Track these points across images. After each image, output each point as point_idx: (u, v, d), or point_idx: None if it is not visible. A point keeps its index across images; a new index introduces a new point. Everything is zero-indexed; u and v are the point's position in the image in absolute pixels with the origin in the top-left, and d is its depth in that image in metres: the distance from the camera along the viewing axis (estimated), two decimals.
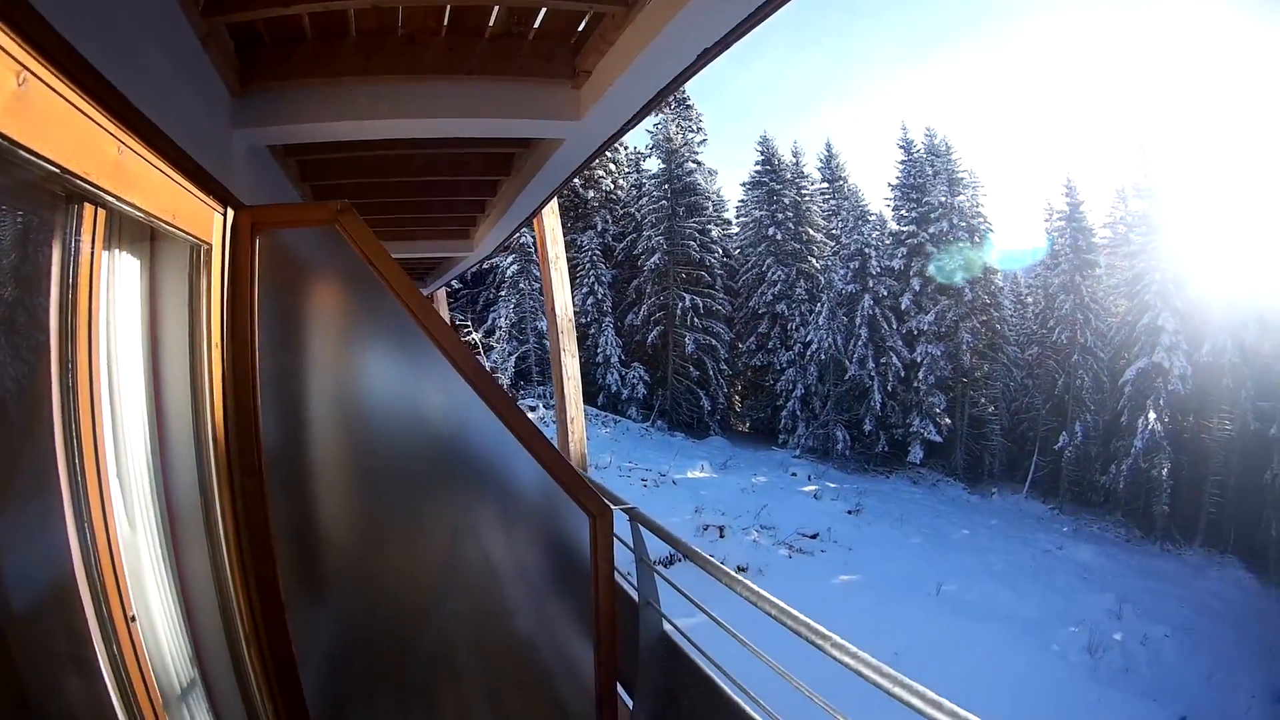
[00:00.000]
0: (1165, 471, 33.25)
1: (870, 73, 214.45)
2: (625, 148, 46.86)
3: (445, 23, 4.12)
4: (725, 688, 3.76)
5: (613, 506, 3.46)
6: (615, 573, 4.03)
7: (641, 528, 4.52)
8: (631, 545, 4.53)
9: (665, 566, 18.50)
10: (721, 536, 21.76)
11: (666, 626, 4.43)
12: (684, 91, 47.18)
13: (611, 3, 3.52)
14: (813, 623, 2.98)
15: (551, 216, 8.55)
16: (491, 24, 4.13)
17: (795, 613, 3.07)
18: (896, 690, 2.43)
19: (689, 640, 4.19)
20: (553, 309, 8.74)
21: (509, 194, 6.91)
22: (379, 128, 4.56)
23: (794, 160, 45.26)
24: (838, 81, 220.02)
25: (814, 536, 24.75)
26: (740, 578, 3.59)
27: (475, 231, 9.31)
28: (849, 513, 29.54)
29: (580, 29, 4.13)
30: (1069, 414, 37.24)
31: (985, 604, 22.06)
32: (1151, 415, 33.35)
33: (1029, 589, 24.55)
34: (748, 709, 3.56)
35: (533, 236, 31.97)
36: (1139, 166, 37.21)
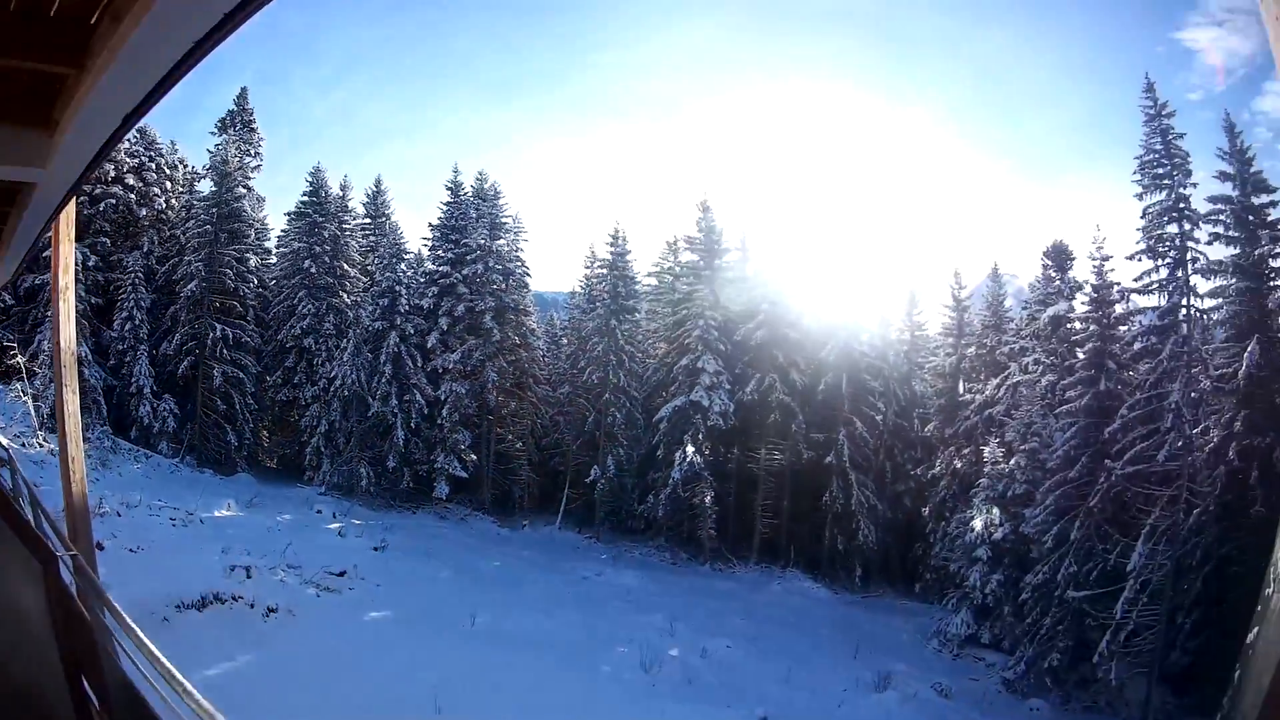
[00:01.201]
0: (709, 499, 38.47)
1: (445, 115, 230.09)
2: (185, 165, 47.65)
3: None
4: None
5: (59, 554, 4.05)
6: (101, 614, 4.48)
7: (89, 575, 4.77)
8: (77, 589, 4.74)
9: (199, 610, 18.92)
10: (249, 577, 22.25)
11: (129, 666, 4.42)
12: (250, 114, 48.96)
13: (65, 65, 4.00)
14: None
15: (66, 244, 8.86)
16: None
17: None
18: None
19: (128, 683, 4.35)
20: (58, 343, 8.91)
21: (13, 224, 7.50)
22: None
23: (341, 194, 48.04)
24: (410, 120, 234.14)
25: (342, 574, 25.97)
26: None
27: None
28: (375, 549, 31.34)
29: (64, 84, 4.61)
30: (601, 448, 41.95)
31: (525, 633, 23.56)
32: (690, 448, 38.54)
33: (570, 615, 26.74)
34: None
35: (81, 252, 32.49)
36: (696, 221, 43.63)
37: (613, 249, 45.55)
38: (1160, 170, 28.90)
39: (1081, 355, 31.97)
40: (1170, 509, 26.11)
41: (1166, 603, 25.92)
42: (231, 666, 16.33)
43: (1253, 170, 28.03)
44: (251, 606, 20.16)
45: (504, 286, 44.59)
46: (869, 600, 38.35)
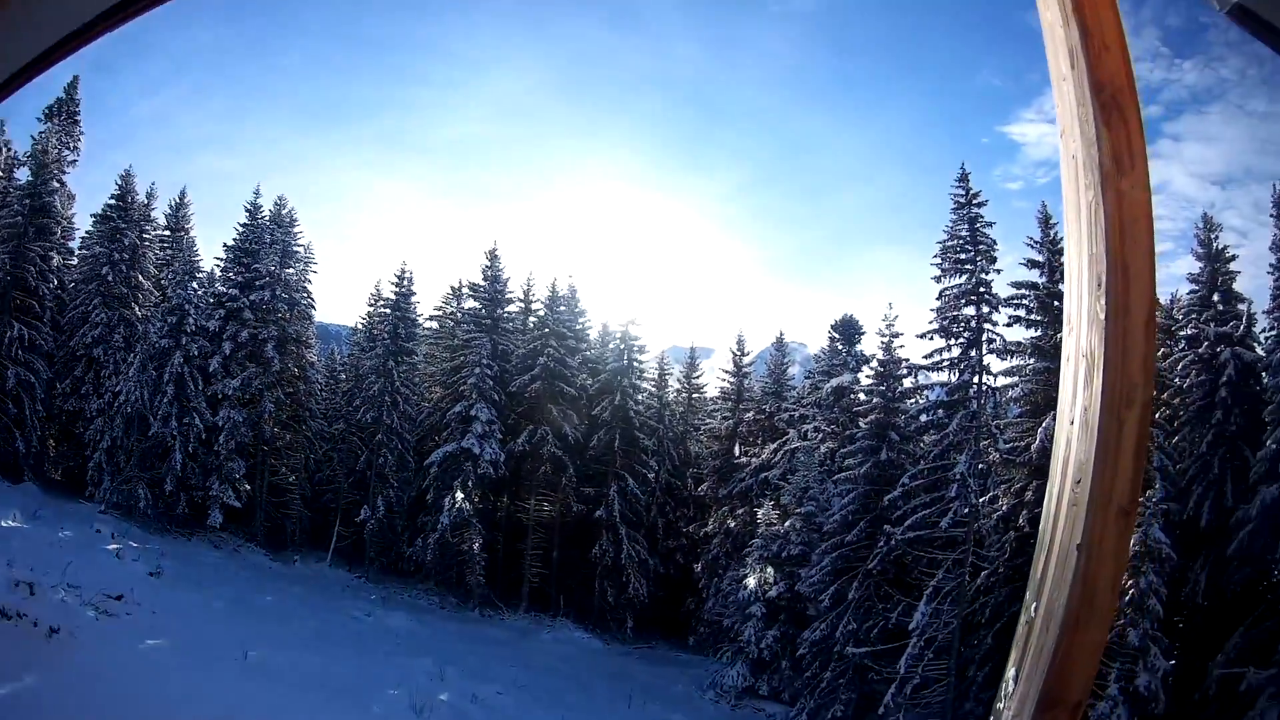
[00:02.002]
0: (477, 546, 39.96)
1: (259, 133, 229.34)
2: (9, 149, 44.35)
3: None
4: None
5: None
6: None
7: None
8: None
9: (5, 619, 19.35)
10: (32, 594, 21.25)
11: None
12: (77, 104, 46.17)
13: None
14: None
15: None
16: None
17: None
18: None
19: None
20: None
21: None
22: None
23: (146, 202, 46.30)
24: (225, 132, 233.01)
25: (119, 598, 25.15)
26: None
27: None
28: (151, 574, 30.16)
29: None
30: (371, 489, 43.03)
31: (296, 670, 22.96)
32: (460, 494, 39.71)
33: (341, 654, 26.27)
34: None
35: None
36: (482, 269, 45.56)
37: (397, 289, 46.80)
38: (963, 255, 30.87)
39: (864, 425, 33.56)
40: (956, 571, 28.21)
41: (955, 658, 27.78)
42: (19, 687, 16.17)
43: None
44: (35, 625, 19.49)
45: (288, 316, 44.86)
46: (641, 651, 39.91)
